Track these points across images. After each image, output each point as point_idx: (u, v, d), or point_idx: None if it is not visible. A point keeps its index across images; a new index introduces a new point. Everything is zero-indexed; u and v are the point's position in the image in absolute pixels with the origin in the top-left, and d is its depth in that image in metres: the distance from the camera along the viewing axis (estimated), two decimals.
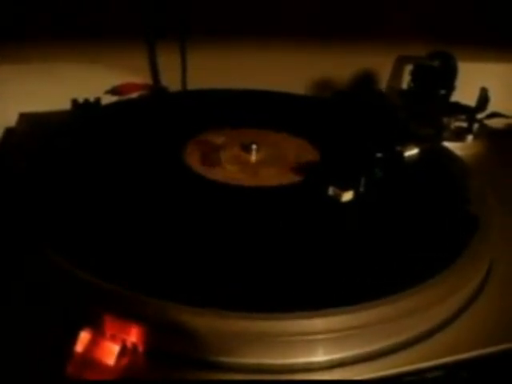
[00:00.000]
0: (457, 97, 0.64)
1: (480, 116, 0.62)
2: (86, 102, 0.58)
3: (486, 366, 0.33)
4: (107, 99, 0.62)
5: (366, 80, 0.77)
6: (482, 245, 0.39)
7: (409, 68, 0.65)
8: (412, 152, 0.47)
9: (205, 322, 0.29)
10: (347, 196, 0.41)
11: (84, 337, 0.29)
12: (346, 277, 0.34)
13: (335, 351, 0.31)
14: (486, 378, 0.34)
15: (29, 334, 0.31)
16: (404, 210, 0.42)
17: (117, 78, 0.66)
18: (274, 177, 0.46)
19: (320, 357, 0.31)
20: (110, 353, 0.29)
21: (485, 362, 0.33)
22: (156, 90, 0.68)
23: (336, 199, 0.41)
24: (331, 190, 0.41)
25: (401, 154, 0.46)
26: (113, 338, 0.30)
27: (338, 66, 0.75)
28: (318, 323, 0.30)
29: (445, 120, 0.61)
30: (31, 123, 0.58)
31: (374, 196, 0.42)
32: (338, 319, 0.31)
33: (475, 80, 0.63)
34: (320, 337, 0.30)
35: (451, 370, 0.32)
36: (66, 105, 0.58)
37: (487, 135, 0.63)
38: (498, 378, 0.34)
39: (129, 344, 0.30)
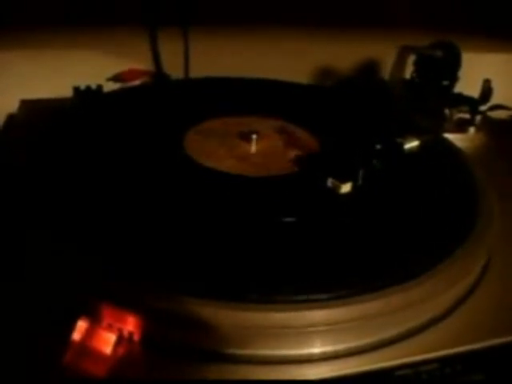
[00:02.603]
0: (460, 88, 0.64)
1: (483, 108, 0.62)
2: (88, 89, 0.58)
3: (482, 360, 0.34)
4: (109, 86, 0.62)
5: (367, 69, 0.77)
6: (481, 237, 0.39)
7: (412, 58, 0.65)
8: (412, 144, 0.46)
9: (203, 311, 0.30)
10: (346, 188, 0.41)
11: (81, 326, 0.29)
12: (341, 270, 0.34)
13: (331, 343, 0.32)
14: (481, 371, 0.34)
15: (26, 323, 0.31)
16: (403, 202, 0.42)
17: (119, 65, 0.66)
18: (273, 167, 0.46)
19: (314, 349, 0.31)
20: (106, 342, 0.29)
21: (480, 356, 0.34)
22: (158, 78, 0.68)
23: (334, 191, 0.41)
24: (330, 182, 0.41)
25: (401, 145, 0.45)
26: (109, 327, 0.30)
27: (339, 54, 0.75)
28: (314, 315, 0.30)
29: (447, 111, 0.61)
30: (32, 110, 0.58)
31: (373, 188, 0.42)
32: (334, 311, 0.31)
33: (479, 71, 0.62)
34: (314, 329, 0.31)
35: (446, 364, 0.33)
36: (67, 92, 0.58)
37: (489, 127, 0.63)
38: (492, 371, 0.34)
39: (125, 333, 0.30)
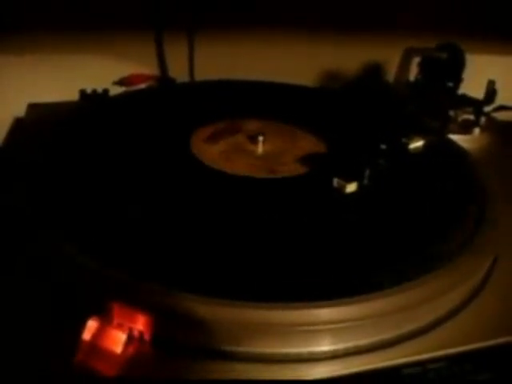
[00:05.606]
0: (464, 89, 0.64)
1: (487, 109, 0.62)
2: (94, 92, 0.59)
3: (490, 359, 0.34)
4: (115, 90, 0.62)
5: (373, 72, 0.77)
6: (486, 237, 0.39)
7: (417, 60, 0.65)
8: (417, 144, 0.47)
9: (211, 310, 0.30)
10: (351, 187, 0.41)
11: (91, 325, 0.29)
12: (349, 268, 0.34)
13: (338, 342, 0.32)
14: (489, 370, 0.34)
15: (36, 323, 0.31)
16: (408, 202, 0.42)
17: (125, 69, 0.66)
18: (279, 168, 0.46)
19: (322, 347, 0.31)
20: (117, 341, 0.29)
21: (488, 355, 0.33)
22: (164, 81, 0.69)
23: (340, 191, 0.41)
24: (335, 182, 0.42)
25: (406, 145, 0.46)
26: (120, 327, 0.30)
27: (345, 57, 0.75)
28: (321, 313, 0.30)
29: (452, 112, 0.61)
30: (40, 114, 0.58)
31: (378, 188, 0.43)
32: (341, 310, 0.31)
33: (483, 72, 0.62)
34: (322, 327, 0.31)
35: (454, 362, 0.32)
36: (74, 96, 0.59)
37: (494, 128, 0.63)
38: (501, 370, 0.34)
39: (136, 332, 0.30)
